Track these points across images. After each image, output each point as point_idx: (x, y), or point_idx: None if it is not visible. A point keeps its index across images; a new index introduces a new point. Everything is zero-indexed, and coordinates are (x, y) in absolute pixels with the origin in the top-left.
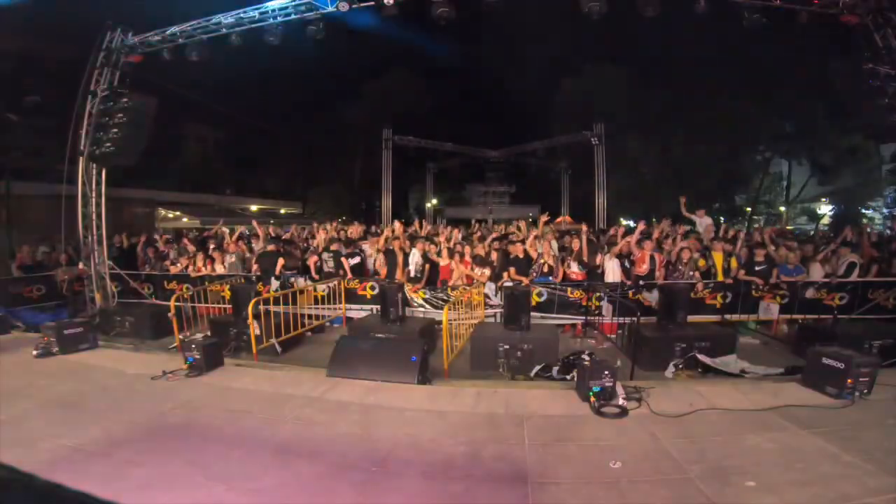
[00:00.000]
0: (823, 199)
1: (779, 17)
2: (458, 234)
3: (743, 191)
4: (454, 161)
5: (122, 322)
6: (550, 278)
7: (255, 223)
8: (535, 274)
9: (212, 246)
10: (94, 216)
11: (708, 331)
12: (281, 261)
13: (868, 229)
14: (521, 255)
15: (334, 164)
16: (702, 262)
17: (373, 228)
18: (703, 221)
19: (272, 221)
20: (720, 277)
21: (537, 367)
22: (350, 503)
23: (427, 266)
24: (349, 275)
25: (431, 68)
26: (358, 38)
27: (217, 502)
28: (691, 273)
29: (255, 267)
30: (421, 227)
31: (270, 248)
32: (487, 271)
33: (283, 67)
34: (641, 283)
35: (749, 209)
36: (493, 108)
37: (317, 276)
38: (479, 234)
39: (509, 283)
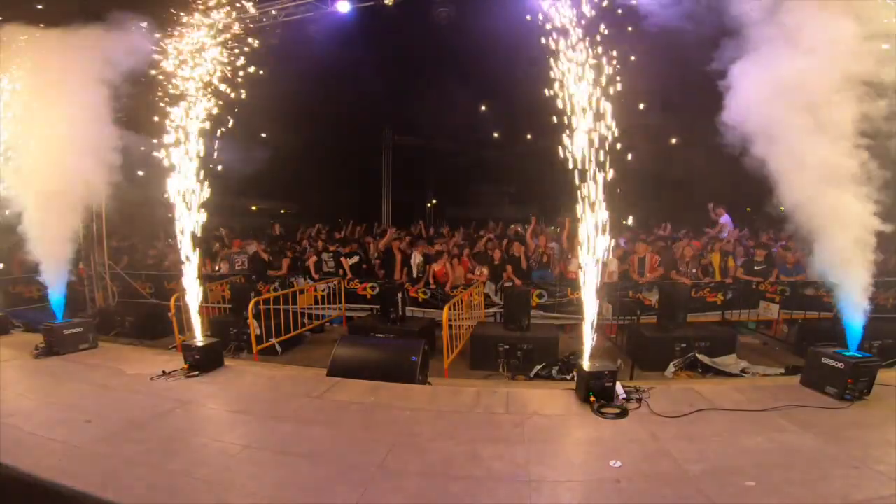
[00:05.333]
0: None
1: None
2: (456, 238)
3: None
4: (454, 161)
5: (122, 322)
6: (549, 271)
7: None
8: (534, 264)
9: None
10: (94, 216)
11: (708, 331)
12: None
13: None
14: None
15: (334, 164)
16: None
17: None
18: (724, 220)
19: (272, 221)
20: (717, 277)
21: (537, 367)
22: (350, 503)
23: (428, 267)
24: (349, 274)
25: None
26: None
27: (217, 502)
28: (693, 271)
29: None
30: (423, 229)
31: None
32: (486, 270)
33: (284, 67)
34: (641, 282)
35: (749, 209)
36: (494, 107)
37: (317, 276)
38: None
39: (509, 283)
